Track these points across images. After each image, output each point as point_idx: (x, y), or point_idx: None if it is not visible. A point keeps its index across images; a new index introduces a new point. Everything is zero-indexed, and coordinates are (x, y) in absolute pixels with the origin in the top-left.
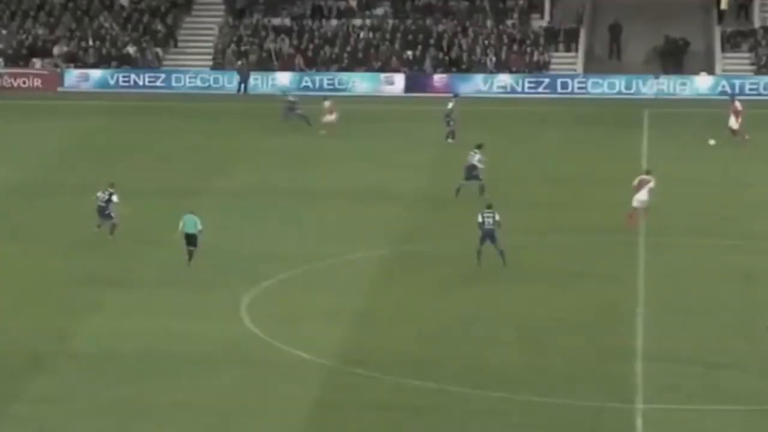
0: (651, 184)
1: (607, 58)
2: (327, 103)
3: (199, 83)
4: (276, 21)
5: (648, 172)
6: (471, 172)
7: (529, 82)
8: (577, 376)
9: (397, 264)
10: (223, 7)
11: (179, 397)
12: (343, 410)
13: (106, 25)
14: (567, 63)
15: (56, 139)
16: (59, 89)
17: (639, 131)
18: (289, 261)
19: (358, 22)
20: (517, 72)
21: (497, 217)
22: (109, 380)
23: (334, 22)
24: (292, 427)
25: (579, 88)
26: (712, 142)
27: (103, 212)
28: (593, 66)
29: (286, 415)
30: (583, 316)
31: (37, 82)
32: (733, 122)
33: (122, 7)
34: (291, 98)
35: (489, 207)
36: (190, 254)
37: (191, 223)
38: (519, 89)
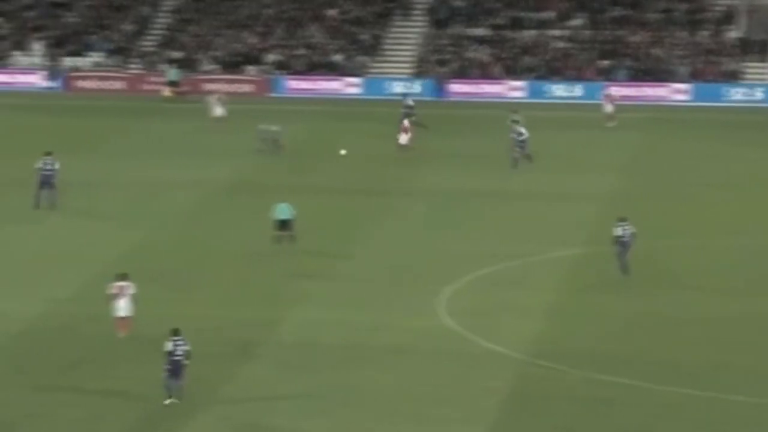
0: None
1: None
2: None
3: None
4: (476, 31)
5: None
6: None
7: None
8: (761, 373)
9: (588, 263)
10: (425, 17)
11: (377, 386)
12: (535, 401)
13: (316, 35)
14: (759, 73)
15: None
16: (269, 94)
17: None
18: (486, 259)
19: (555, 32)
20: (710, 81)
21: (634, 230)
22: (312, 368)
23: (532, 32)
24: (484, 415)
25: None
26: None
27: (49, 180)
28: None
29: (478, 404)
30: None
31: (250, 88)
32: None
33: (333, 19)
34: (410, 102)
35: (623, 219)
36: (281, 239)
37: (285, 210)
38: None
